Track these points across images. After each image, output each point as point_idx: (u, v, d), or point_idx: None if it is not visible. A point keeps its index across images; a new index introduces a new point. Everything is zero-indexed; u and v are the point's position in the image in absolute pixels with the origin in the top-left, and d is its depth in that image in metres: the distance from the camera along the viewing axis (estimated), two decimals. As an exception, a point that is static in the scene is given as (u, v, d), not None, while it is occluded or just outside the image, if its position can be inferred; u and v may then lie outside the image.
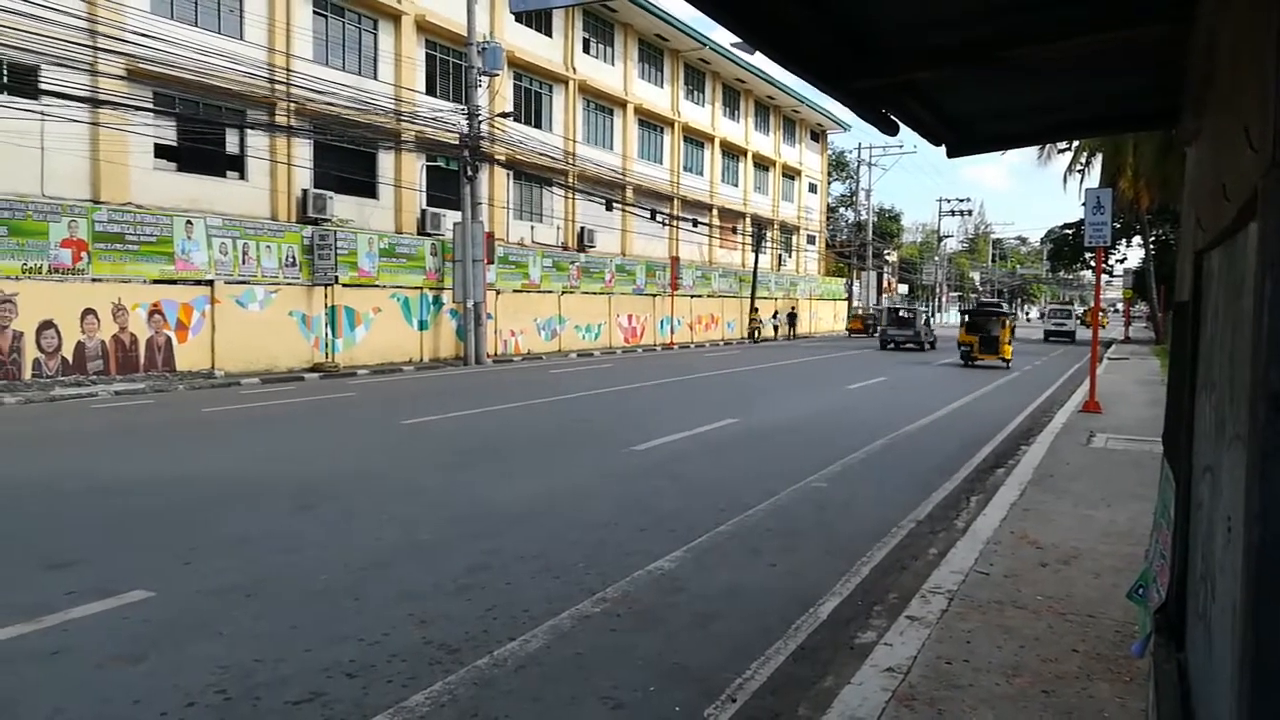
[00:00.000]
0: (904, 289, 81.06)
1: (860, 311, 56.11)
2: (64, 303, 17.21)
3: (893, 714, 3.91)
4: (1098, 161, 36.69)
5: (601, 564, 6.35)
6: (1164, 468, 3.17)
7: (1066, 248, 54.42)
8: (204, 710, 4.06)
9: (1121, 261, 56.23)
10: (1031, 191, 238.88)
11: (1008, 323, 27.94)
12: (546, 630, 5.08)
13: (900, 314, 38.49)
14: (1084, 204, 15.34)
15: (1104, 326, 25.93)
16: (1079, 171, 38.47)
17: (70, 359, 17.22)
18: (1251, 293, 1.38)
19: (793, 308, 50.41)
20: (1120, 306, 66.90)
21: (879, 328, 41.15)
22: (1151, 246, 43.21)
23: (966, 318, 29.26)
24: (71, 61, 16.99)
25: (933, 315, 46.51)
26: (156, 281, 18.96)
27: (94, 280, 17.78)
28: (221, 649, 4.74)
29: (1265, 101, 1.30)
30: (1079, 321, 49.95)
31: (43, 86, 16.97)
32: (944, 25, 2.96)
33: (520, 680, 4.44)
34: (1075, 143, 35.26)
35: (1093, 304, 17.26)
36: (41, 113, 17.02)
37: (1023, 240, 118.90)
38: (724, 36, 42.67)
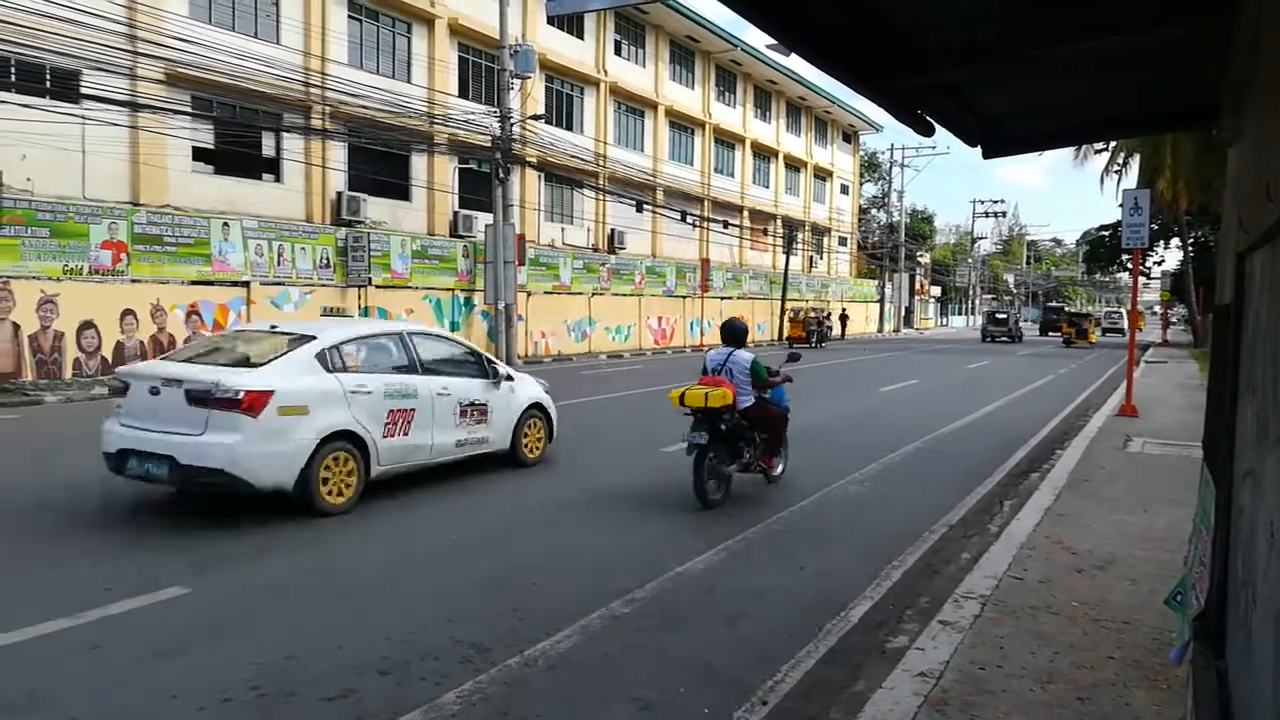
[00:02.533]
0: (937, 291, 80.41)
1: (801, 313, 41.58)
2: (104, 303, 17.52)
3: (925, 719, 3.88)
4: (1135, 162, 36.18)
5: (631, 564, 6.35)
6: (1204, 472, 3.12)
7: (1103, 249, 53.65)
8: (239, 706, 4.11)
9: (1159, 264, 55.45)
10: (1067, 192, 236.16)
11: (1092, 321, 49.54)
12: (577, 630, 5.09)
13: (997, 315, 51.91)
14: (1121, 205, 15.13)
15: (1140, 329, 26.50)
16: (1116, 172, 37.95)
17: (110, 358, 17.51)
18: (1297, 294, 1.35)
19: (844, 309, 51.40)
20: (1158, 309, 66.01)
21: (810, 333, 39.14)
22: (1190, 248, 42.51)
23: (1068, 318, 48.76)
24: (112, 66, 17.30)
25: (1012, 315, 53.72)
26: (194, 283, 19.26)
27: (133, 281, 18.09)
28: (256, 646, 4.80)
29: (1311, 100, 1.28)
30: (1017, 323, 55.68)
31: (84, 91, 17.29)
32: (980, 22, 2.94)
33: (551, 680, 4.46)
34: (1113, 143, 34.78)
35: (1130, 306, 17.04)
36: (83, 117, 17.35)
37: (1058, 242, 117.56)
38: (755, 37, 42.62)
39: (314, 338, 7.97)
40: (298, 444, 7.36)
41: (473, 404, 9.18)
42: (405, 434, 8.34)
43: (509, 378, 9.85)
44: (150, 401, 7.40)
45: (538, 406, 10.20)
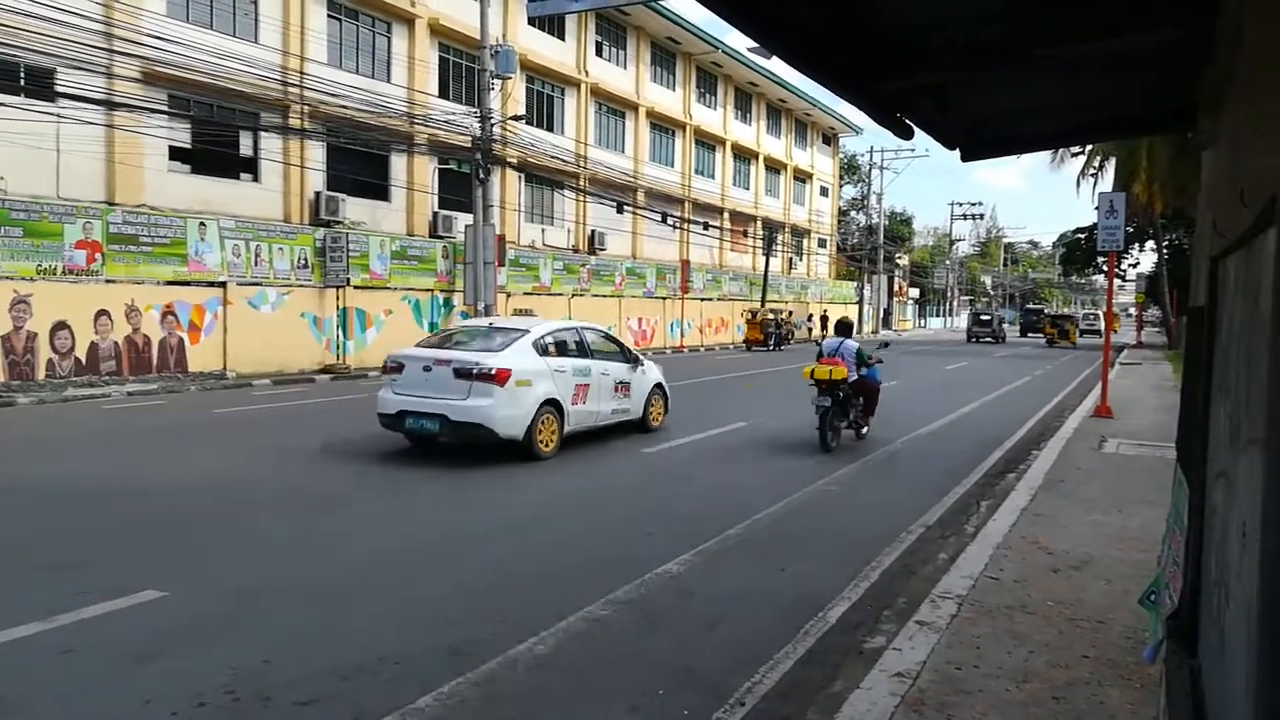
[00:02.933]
0: (915, 293, 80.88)
1: (758, 315, 39.49)
2: (78, 304, 17.32)
3: (902, 719, 3.90)
4: (1111, 165, 36.50)
5: (611, 566, 6.34)
6: (1177, 473, 3.15)
7: (1079, 252, 54.23)
8: (214, 710, 4.07)
9: (1134, 266, 56.05)
10: (1044, 195, 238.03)
11: (1073, 323, 51.80)
12: (557, 632, 5.08)
13: (982, 317, 55.11)
14: (1097, 208, 15.29)
15: (1116, 331, 27.16)
16: (1092, 175, 38.28)
17: (83, 359, 17.32)
18: (1270, 296, 1.37)
19: (824, 311, 52.20)
20: (1133, 311, 66.76)
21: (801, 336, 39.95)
22: (1165, 251, 42.98)
23: (1050, 320, 51.96)
24: (87, 64, 17.11)
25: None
26: (170, 283, 19.07)
27: (108, 281, 17.89)
28: (232, 650, 4.75)
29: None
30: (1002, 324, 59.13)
31: (59, 89, 17.10)
32: (960, 27, 2.96)
33: (529, 682, 4.44)
34: (1089, 146, 35.12)
35: (1106, 308, 17.24)
36: (58, 115, 17.15)
37: (1034, 244, 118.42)
38: (737, 40, 42.80)
39: (528, 331, 10.90)
40: (527, 407, 10.20)
41: (621, 382, 12.09)
42: (584, 403, 11.26)
43: (642, 363, 12.74)
44: (423, 376, 10.20)
45: (659, 387, 13.04)
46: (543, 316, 30.31)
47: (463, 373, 9.92)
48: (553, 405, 10.58)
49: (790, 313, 45.45)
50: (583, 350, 11.57)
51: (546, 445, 10.48)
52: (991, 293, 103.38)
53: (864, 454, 11.32)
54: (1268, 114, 1.48)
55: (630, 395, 12.27)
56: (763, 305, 43.64)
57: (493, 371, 9.87)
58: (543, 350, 10.77)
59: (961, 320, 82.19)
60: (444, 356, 10.28)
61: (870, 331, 62.08)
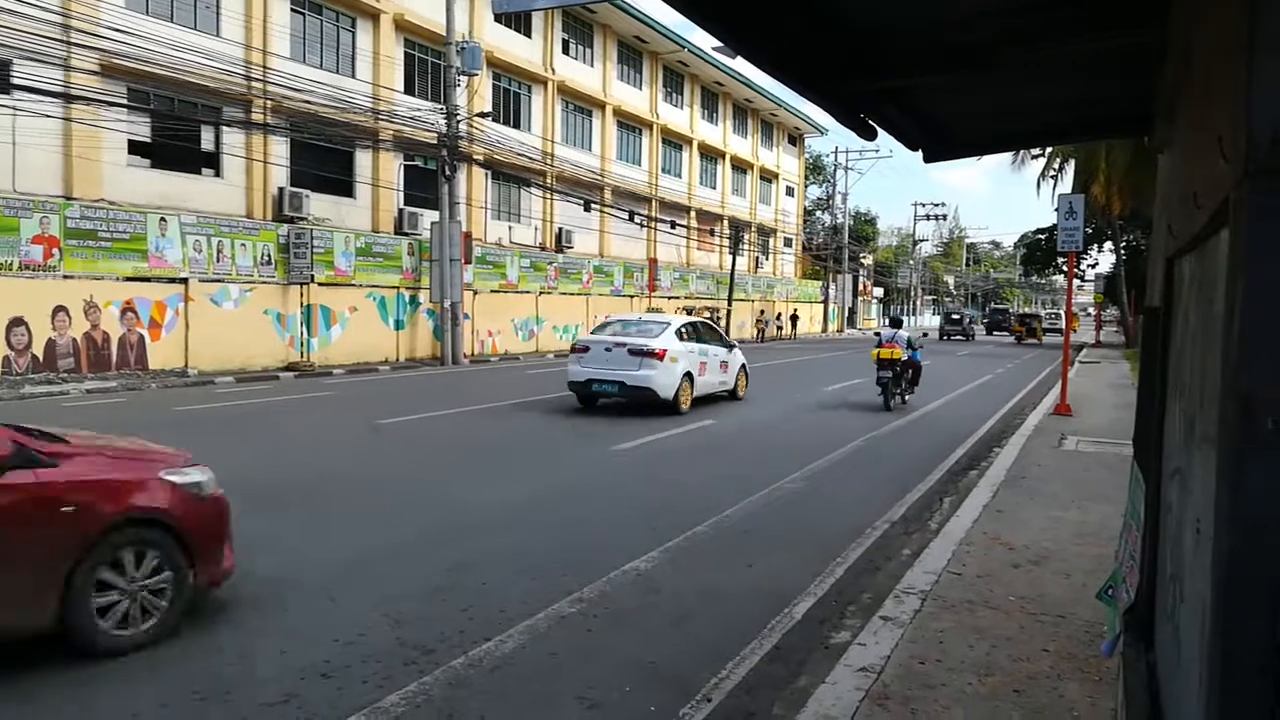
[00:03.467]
0: (879, 292, 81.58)
1: (694, 313, 35.76)
2: (35, 300, 16.99)
3: (866, 713, 3.94)
4: (1071, 167, 37.07)
5: (578, 564, 6.35)
6: (1134, 470, 3.21)
7: (1039, 252, 55.04)
8: (178, 712, 4.02)
9: (1093, 266, 56.92)
10: (1005, 196, 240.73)
11: (1040, 321, 54.71)
12: (523, 630, 5.07)
13: (953, 316, 58.32)
14: (1057, 209, 15.50)
15: (1075, 330, 27.74)
16: (1052, 177, 38.85)
17: (41, 356, 17.00)
18: (1223, 298, 1.40)
19: (794, 310, 54.28)
20: (1092, 311, 67.89)
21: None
22: (1123, 252, 43.69)
23: (1019, 318, 56.16)
24: (45, 56, 16.77)
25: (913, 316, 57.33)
26: (129, 279, 18.76)
27: (65, 277, 17.57)
28: (195, 650, 4.70)
29: (1238, 112, 1.33)
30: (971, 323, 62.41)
31: (15, 81, 16.74)
32: (924, 31, 2.99)
33: (496, 680, 4.44)
34: (1049, 149, 35.63)
35: (1065, 307, 17.59)
36: (14, 108, 16.78)
37: (996, 245, 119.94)
38: (703, 39, 42.88)
39: (669, 323, 15.24)
40: (676, 376, 14.39)
41: (723, 361, 16.29)
42: (703, 375, 15.33)
43: (736, 348, 17.13)
44: (605, 355, 14.51)
45: (743, 367, 17.23)
46: (510, 314, 30.38)
47: (636, 351, 14.15)
48: (688, 376, 14.71)
49: (719, 314, 44.93)
50: (699, 337, 15.61)
51: (684, 404, 14.64)
52: (954, 292, 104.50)
53: (829, 451, 11.41)
54: (1219, 118, 1.52)
55: (728, 372, 16.48)
56: (729, 303, 43.81)
57: (656, 351, 14.09)
58: (680, 336, 14.82)
59: (925, 320, 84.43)
60: (621, 341, 14.48)
61: (835, 330, 62.56)
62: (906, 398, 16.71)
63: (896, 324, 16.68)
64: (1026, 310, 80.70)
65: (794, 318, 53.37)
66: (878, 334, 16.99)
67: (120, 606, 4.56)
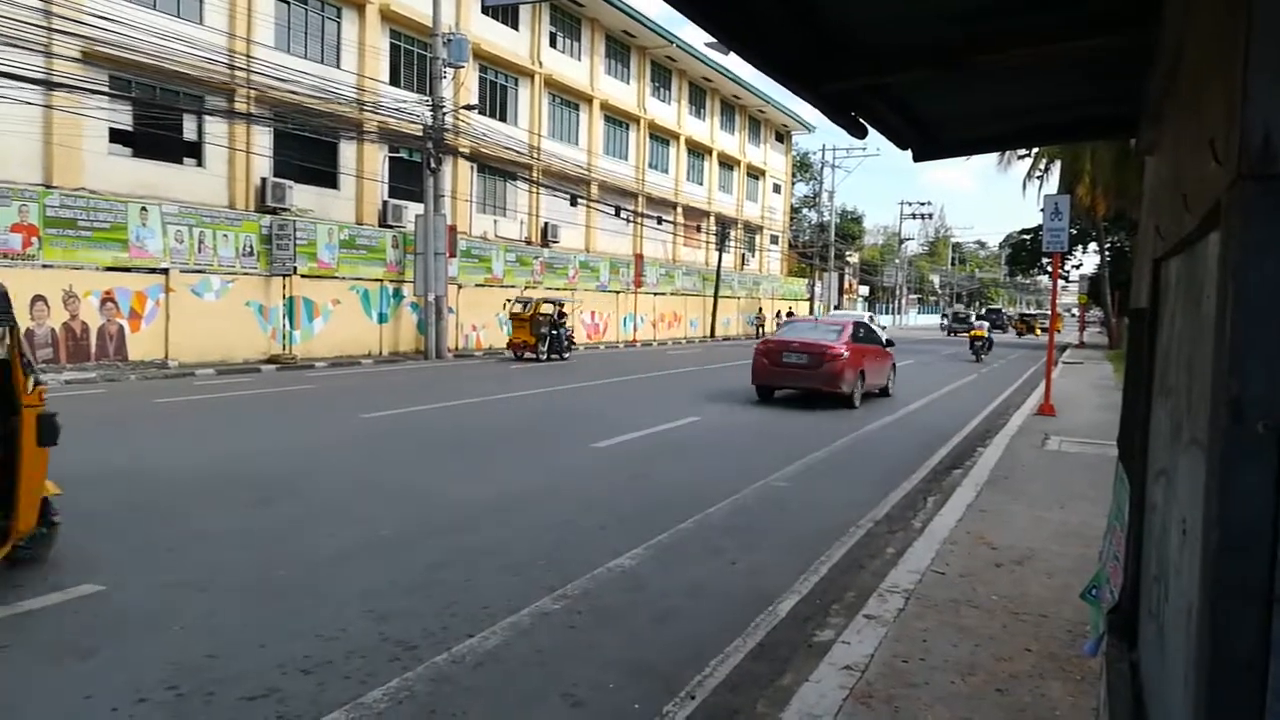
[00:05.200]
0: (865, 290, 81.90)
1: (530, 305, 26.36)
2: (12, 289, 16.49)
3: (850, 711, 3.94)
4: (1057, 168, 37.31)
5: (562, 561, 6.33)
6: (1118, 470, 3.22)
7: (1025, 253, 55.40)
8: (156, 706, 3.98)
9: (1078, 267, 57.25)
10: (992, 196, 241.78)
11: (1038, 321, 63.43)
12: (506, 627, 5.06)
13: (959, 315, 65.40)
14: (1042, 210, 15.58)
15: (1059, 331, 28.27)
16: (1038, 177, 39.09)
17: (19, 346, 16.79)
18: (1213, 301, 1.40)
19: (790, 308, 55.35)
20: (1076, 312, 68.41)
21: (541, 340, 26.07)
22: (1107, 253, 43.99)
23: (1020, 317, 66.64)
24: (25, 42, 16.57)
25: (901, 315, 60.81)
26: (109, 269, 18.59)
27: (44, 266, 17.40)
28: (174, 645, 4.66)
29: (1231, 114, 1.32)
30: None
31: (-6, 67, 16.53)
32: (917, 28, 2.98)
33: (479, 677, 4.42)
34: (1035, 149, 35.82)
35: (1050, 308, 17.78)
36: (-8, 94, 16.58)
37: (982, 244, 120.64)
38: (692, 34, 42.82)
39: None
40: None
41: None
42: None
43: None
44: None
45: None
46: (495, 309, 30.18)
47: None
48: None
49: (563, 309, 37.15)
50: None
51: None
52: (939, 291, 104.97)
53: (814, 449, 11.43)
54: (1211, 121, 1.52)
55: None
56: (715, 300, 43.89)
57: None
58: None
59: (910, 318, 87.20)
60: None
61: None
62: (983, 356, 30.82)
63: (980, 316, 25.11)
64: (1025, 311, 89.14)
65: (790, 314, 52.92)
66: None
67: None
